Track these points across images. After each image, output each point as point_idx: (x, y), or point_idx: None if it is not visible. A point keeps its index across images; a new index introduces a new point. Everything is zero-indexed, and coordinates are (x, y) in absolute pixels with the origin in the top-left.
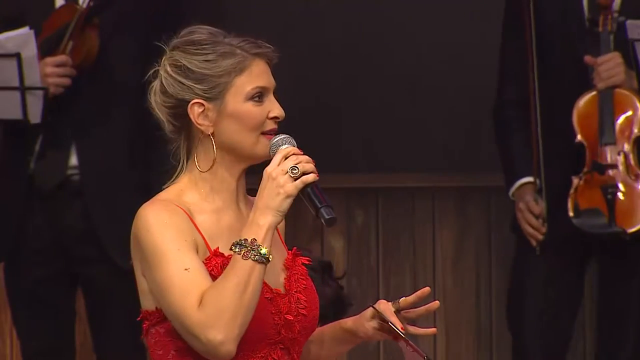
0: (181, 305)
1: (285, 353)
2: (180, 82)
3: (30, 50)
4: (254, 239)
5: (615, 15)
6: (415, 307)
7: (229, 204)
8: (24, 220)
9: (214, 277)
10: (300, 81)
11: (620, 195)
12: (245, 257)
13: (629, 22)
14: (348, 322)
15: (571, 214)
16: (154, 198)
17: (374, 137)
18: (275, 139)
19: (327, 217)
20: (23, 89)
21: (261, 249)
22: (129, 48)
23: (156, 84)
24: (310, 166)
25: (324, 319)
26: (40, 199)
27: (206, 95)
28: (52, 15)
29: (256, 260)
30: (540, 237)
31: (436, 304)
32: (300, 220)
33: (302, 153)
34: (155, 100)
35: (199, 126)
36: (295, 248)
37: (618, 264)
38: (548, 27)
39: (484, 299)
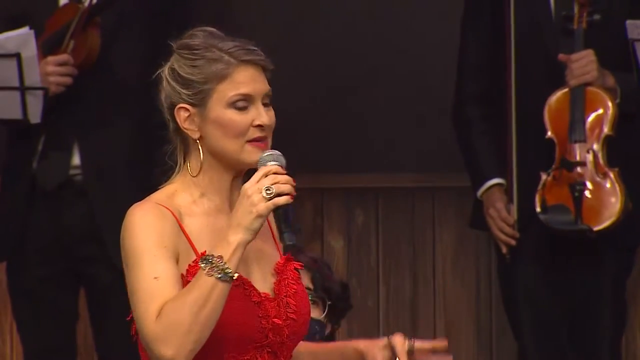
0: (142, 314)
1: (273, 357)
2: (171, 85)
3: (30, 50)
4: (221, 256)
5: (591, 11)
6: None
7: (221, 207)
8: (27, 219)
9: None
10: (300, 81)
11: (587, 193)
12: (209, 273)
13: (628, 22)
14: (360, 343)
15: (538, 209)
16: (146, 198)
17: (374, 137)
18: (265, 154)
19: (286, 242)
20: (23, 89)
21: (226, 267)
22: (131, 47)
23: (162, 83)
24: (286, 187)
25: (332, 313)
26: (43, 199)
27: (191, 100)
28: (55, 14)
29: (219, 279)
30: (513, 243)
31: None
32: (300, 220)
33: (284, 172)
34: (159, 99)
35: (185, 130)
36: (289, 253)
37: (587, 262)
38: (517, 23)
39: (484, 299)
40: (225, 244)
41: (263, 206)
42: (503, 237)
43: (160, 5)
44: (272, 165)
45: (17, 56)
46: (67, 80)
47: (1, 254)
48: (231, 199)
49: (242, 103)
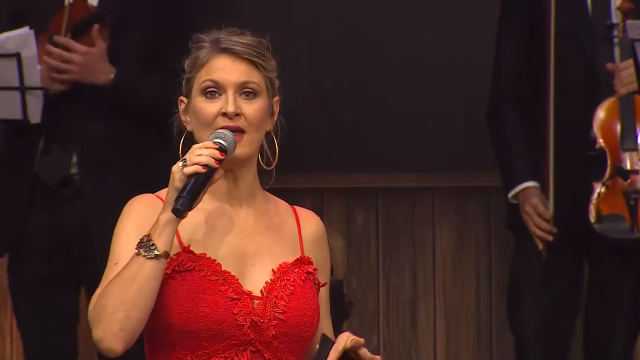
0: (93, 296)
1: (258, 357)
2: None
3: (30, 50)
4: (149, 234)
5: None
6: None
7: (218, 203)
8: (28, 218)
9: (178, 273)
10: (300, 80)
11: None
12: (137, 252)
13: (629, 22)
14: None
15: (593, 220)
16: (161, 190)
17: (374, 137)
18: (214, 133)
19: (174, 205)
20: (23, 89)
21: (152, 245)
22: (132, 47)
23: None
24: (201, 158)
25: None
26: (44, 198)
27: (184, 90)
28: (61, 12)
29: (146, 257)
30: (550, 239)
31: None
32: None
33: (215, 147)
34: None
35: (183, 122)
36: (308, 257)
37: (610, 263)
38: (556, 30)
39: (484, 299)
40: (156, 224)
41: (177, 177)
42: (540, 232)
43: (162, 5)
44: (206, 142)
45: (17, 56)
46: (65, 66)
47: (1, 250)
48: (231, 196)
49: (212, 90)
